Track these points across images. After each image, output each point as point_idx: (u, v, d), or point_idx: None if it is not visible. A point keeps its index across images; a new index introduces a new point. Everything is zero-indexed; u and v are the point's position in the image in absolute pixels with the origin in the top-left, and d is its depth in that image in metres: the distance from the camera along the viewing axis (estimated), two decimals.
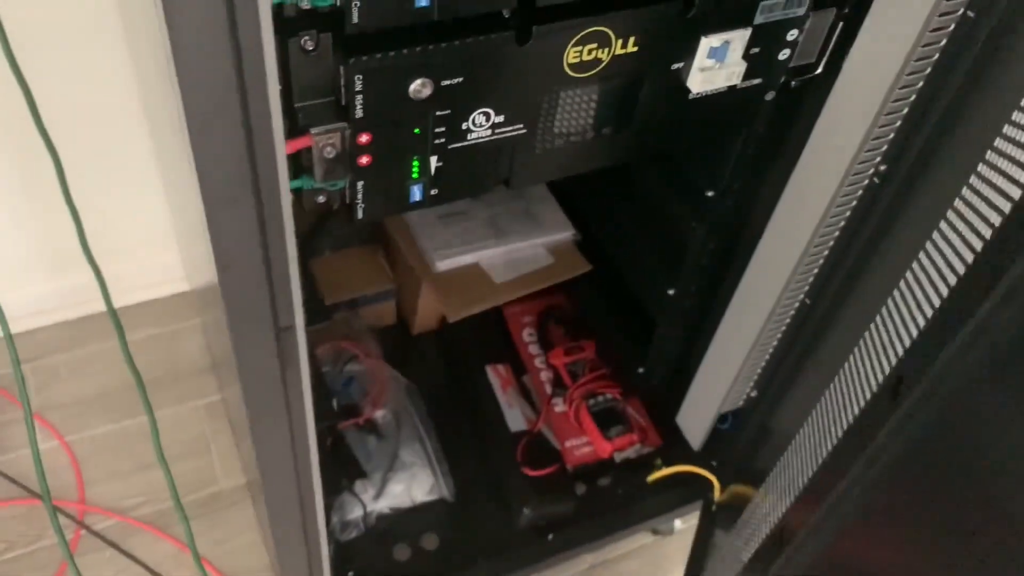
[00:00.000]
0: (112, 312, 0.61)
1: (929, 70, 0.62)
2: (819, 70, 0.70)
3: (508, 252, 1.10)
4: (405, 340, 1.17)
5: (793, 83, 0.70)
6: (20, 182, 1.12)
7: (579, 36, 0.56)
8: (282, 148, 0.47)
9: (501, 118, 0.59)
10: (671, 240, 0.94)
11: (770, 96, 0.69)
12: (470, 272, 1.08)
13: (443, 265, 1.07)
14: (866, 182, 0.70)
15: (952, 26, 0.59)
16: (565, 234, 1.13)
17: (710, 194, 0.84)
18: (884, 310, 0.65)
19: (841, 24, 0.67)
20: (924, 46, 0.61)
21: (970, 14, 0.58)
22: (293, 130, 0.54)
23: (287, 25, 0.49)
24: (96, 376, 1.25)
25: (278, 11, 0.49)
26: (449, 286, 1.06)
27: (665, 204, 0.93)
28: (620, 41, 0.58)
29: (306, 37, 0.50)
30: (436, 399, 1.08)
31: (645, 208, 0.99)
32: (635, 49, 0.59)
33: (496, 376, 1.11)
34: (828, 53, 0.68)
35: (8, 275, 1.22)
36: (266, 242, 0.49)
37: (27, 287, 1.25)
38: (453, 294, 1.05)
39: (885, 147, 0.68)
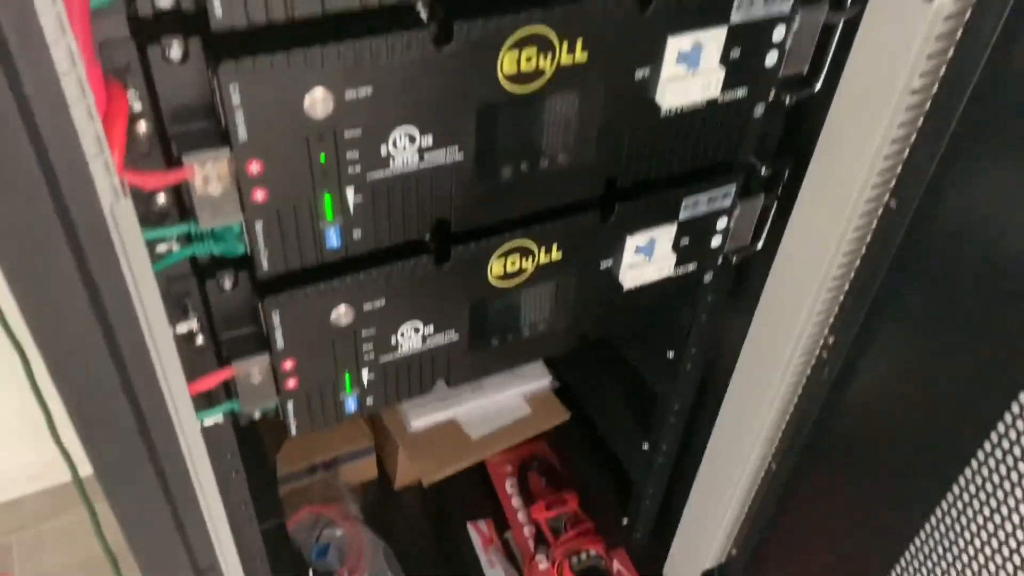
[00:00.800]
0: (80, 485, 0.61)
1: (863, 251, 0.62)
2: (758, 247, 0.70)
3: (485, 405, 1.09)
4: (387, 495, 1.15)
5: (733, 259, 0.70)
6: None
7: (501, 251, 0.57)
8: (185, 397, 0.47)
9: (430, 328, 0.59)
10: (640, 395, 0.93)
11: (708, 278, 0.69)
12: (446, 429, 1.07)
13: (418, 423, 1.06)
14: (816, 352, 0.70)
15: (878, 215, 0.60)
16: (543, 382, 1.12)
17: (670, 355, 0.84)
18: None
19: (775, 206, 0.67)
20: (853, 230, 0.61)
21: (892, 204, 0.59)
22: (219, 358, 0.55)
23: (204, 270, 0.51)
24: (82, 544, 1.24)
25: (193, 259, 0.51)
26: (425, 447, 1.05)
27: (630, 360, 0.92)
28: (543, 249, 0.59)
29: (224, 278, 0.52)
30: (416, 561, 1.06)
31: (612, 361, 0.98)
32: (559, 256, 0.59)
33: (478, 534, 1.09)
34: (765, 232, 0.69)
35: None
36: (177, 515, 0.49)
37: (16, 454, 1.25)
38: (429, 456, 1.04)
39: (831, 320, 0.68)
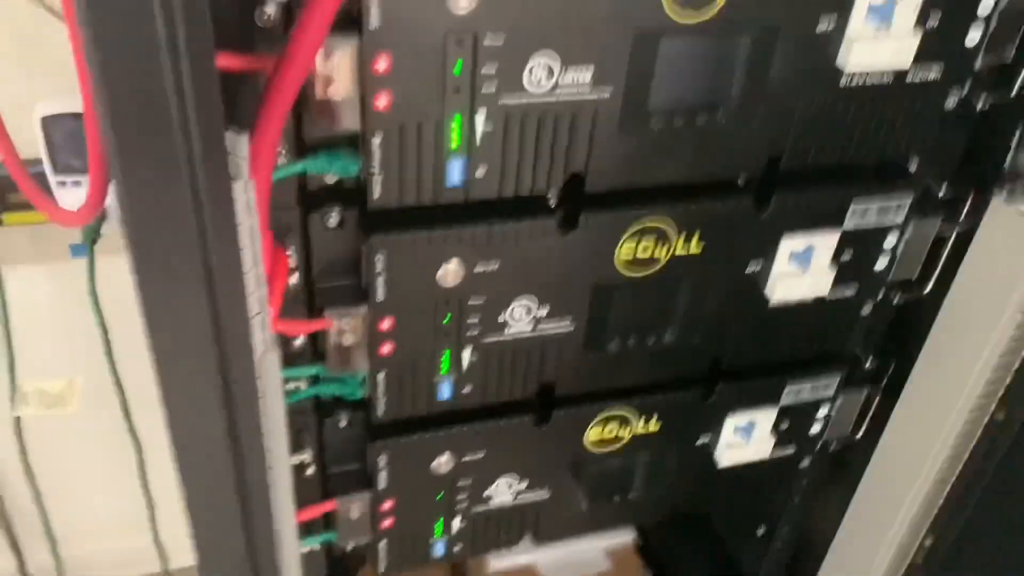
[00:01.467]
0: None
1: (967, 456, 0.61)
2: (859, 436, 0.69)
3: (565, 555, 1.08)
4: None
5: (832, 446, 0.70)
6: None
7: (600, 418, 0.59)
8: None
9: (524, 484, 0.61)
10: (725, 567, 0.91)
11: (806, 463, 0.69)
12: (523, 574, 1.06)
13: (498, 565, 1.06)
14: (912, 553, 0.68)
15: (984, 423, 0.59)
16: (626, 538, 1.11)
17: (760, 532, 0.82)
18: None
19: (878, 398, 0.67)
20: (956, 436, 0.60)
21: (999, 417, 0.58)
22: (324, 491, 0.58)
23: (324, 408, 0.55)
24: None
25: (316, 397, 0.55)
26: None
27: (718, 529, 0.91)
28: (642, 420, 0.60)
29: (342, 418, 0.56)
30: None
31: (700, 528, 0.97)
32: (657, 428, 0.61)
33: None
34: (866, 423, 0.69)
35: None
36: None
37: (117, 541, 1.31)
38: None
39: (930, 522, 0.66)
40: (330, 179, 0.48)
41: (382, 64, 0.41)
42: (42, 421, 1.11)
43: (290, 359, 0.53)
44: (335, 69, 0.41)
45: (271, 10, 0.39)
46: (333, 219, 0.49)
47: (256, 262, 0.39)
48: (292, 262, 0.49)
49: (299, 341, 0.53)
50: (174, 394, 0.38)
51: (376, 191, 0.45)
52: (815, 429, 0.66)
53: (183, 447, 0.41)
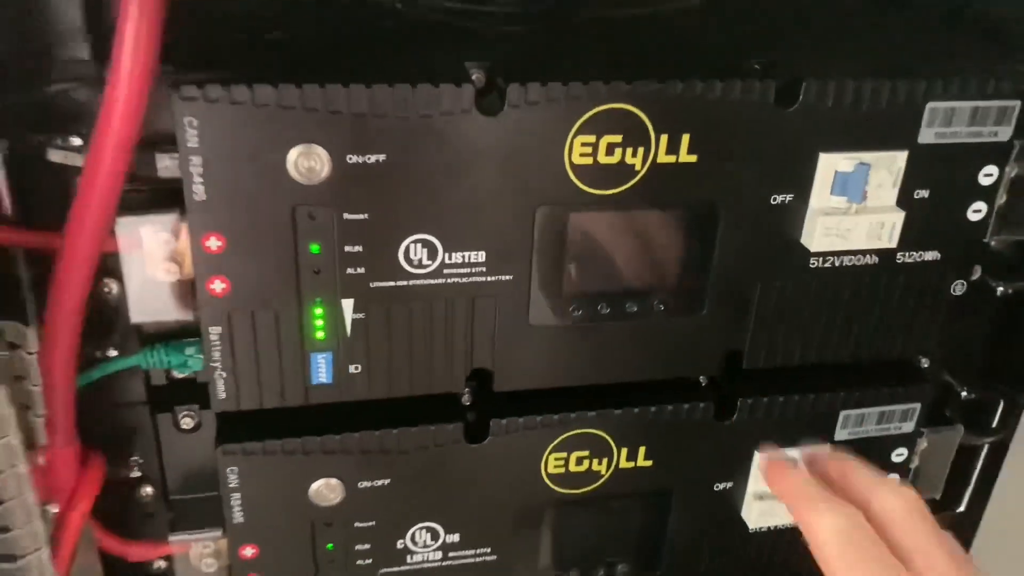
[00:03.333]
0: None
1: None
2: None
3: None
4: None
5: None
6: None
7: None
8: None
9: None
10: None
11: None
12: None
13: None
14: None
15: None
16: None
17: None
18: None
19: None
20: None
21: None
22: None
23: None
24: None
25: None
26: None
27: None
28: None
29: None
30: None
31: None
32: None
33: None
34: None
35: None
36: None
37: None
38: None
39: None
40: (186, 374, 0.40)
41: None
42: None
43: None
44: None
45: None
46: (188, 420, 0.40)
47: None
48: (138, 471, 0.41)
49: (157, 565, 0.43)
50: None
51: (220, 390, 0.37)
52: None
53: None
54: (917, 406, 0.45)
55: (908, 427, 0.46)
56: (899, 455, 0.47)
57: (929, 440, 0.47)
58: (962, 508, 0.52)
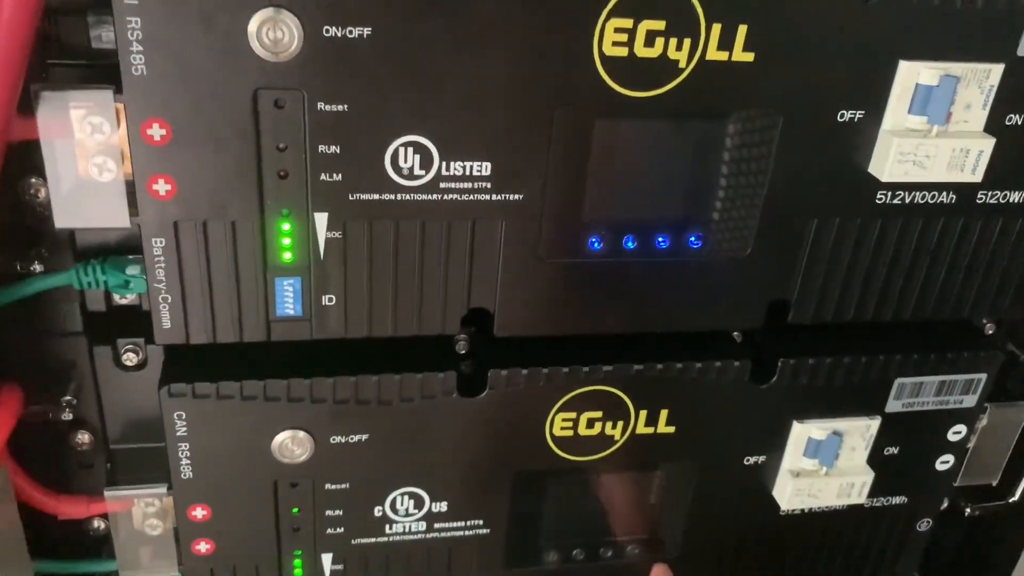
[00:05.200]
0: None
1: None
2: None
3: None
4: None
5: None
6: None
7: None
8: None
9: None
10: None
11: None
12: None
13: None
14: None
15: None
16: None
17: None
18: None
19: None
20: None
21: None
22: None
23: None
24: None
25: None
26: None
27: None
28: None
29: None
30: None
31: None
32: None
33: None
34: None
35: None
36: None
37: None
38: None
39: None
40: (130, 298, 0.34)
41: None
42: None
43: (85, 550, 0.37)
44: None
45: None
46: (131, 356, 0.34)
47: None
48: (71, 414, 0.35)
49: (96, 524, 0.37)
50: None
51: (164, 318, 0.30)
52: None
53: None
54: (983, 376, 0.39)
55: (970, 401, 0.40)
56: (956, 433, 0.41)
57: (990, 417, 0.41)
58: (1015, 498, 0.46)
